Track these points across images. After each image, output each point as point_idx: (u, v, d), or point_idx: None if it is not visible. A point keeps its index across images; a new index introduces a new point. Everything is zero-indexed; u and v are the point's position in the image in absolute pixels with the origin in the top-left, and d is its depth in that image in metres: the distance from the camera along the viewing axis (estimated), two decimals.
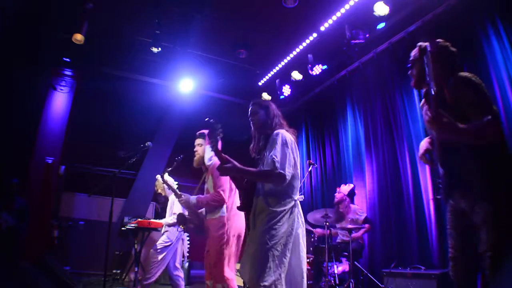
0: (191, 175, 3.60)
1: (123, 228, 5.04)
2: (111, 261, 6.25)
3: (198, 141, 3.40)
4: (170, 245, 4.26)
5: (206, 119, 2.33)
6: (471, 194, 1.81)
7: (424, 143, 2.11)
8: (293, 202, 2.17)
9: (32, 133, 6.09)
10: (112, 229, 3.77)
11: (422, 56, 1.95)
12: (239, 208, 2.41)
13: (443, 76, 1.95)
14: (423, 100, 2.11)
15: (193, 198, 3.25)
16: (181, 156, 3.61)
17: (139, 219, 4.45)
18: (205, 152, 3.29)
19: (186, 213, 3.61)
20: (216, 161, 3.22)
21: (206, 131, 3.36)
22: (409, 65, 2.12)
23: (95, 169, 7.46)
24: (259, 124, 2.38)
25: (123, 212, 6.86)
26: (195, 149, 3.40)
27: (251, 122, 2.43)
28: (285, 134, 2.23)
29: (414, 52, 2.13)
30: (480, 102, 1.80)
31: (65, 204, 6.91)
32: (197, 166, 3.41)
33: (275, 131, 2.25)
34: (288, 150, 2.16)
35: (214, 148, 2.28)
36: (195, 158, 3.37)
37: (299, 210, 2.21)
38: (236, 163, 2.19)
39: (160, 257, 4.13)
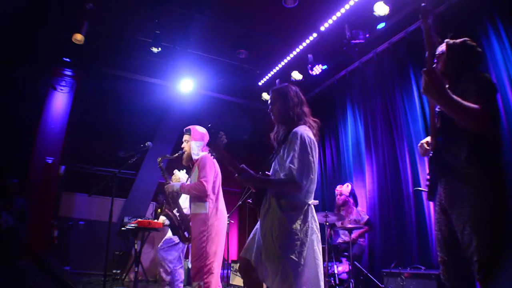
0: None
1: (123, 228, 5.04)
2: (111, 261, 6.25)
3: (185, 137, 3.37)
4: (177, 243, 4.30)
5: (209, 125, 2.28)
6: (455, 183, 1.80)
7: (427, 138, 2.12)
8: (306, 207, 2.03)
9: (32, 133, 6.10)
10: (112, 229, 3.77)
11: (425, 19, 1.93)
12: (250, 204, 2.27)
13: (458, 71, 1.96)
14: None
15: (177, 185, 3.24)
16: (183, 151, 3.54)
17: (139, 219, 4.46)
18: (191, 148, 3.27)
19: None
20: (203, 155, 3.23)
21: (191, 127, 3.36)
22: (434, 61, 2.07)
23: (95, 169, 7.46)
24: (278, 116, 2.22)
25: (123, 212, 6.87)
26: (182, 146, 3.38)
27: (270, 112, 2.27)
28: (305, 134, 2.04)
29: (441, 48, 2.10)
30: (479, 92, 1.79)
31: (65, 204, 6.91)
32: (185, 164, 3.39)
33: (295, 129, 2.07)
34: (307, 156, 1.99)
35: (225, 156, 2.18)
36: (183, 156, 3.34)
37: (313, 215, 2.07)
38: (251, 172, 2.10)
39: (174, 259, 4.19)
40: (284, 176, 2.00)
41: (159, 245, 4.46)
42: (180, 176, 4.57)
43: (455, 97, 1.70)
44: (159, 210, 4.02)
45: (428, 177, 1.96)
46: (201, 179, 3.07)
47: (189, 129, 3.36)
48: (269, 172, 2.20)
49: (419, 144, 2.17)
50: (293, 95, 2.25)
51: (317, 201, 2.19)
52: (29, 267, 3.37)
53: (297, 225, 1.95)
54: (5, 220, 5.18)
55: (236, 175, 2.12)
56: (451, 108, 1.73)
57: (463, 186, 1.77)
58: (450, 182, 1.86)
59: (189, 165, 3.38)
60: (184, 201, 4.23)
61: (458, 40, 2.08)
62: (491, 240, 1.66)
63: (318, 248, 2.01)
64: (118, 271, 6.37)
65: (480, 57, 2.09)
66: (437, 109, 1.97)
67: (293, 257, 1.88)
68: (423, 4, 1.83)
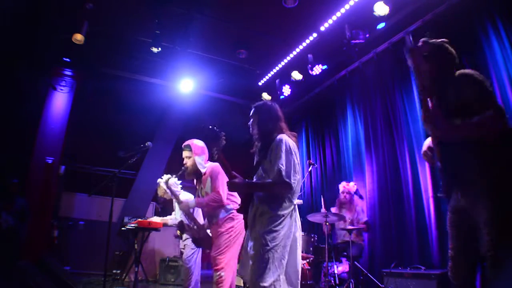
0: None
1: (123, 228, 5.04)
2: (111, 261, 6.25)
3: (185, 153, 3.35)
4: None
5: (210, 127, 2.30)
6: (472, 192, 1.80)
7: (428, 141, 2.12)
8: (292, 206, 2.21)
9: (32, 133, 6.09)
10: (112, 229, 3.76)
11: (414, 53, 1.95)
12: (238, 210, 2.45)
13: (444, 74, 1.96)
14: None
15: (192, 202, 3.27)
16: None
17: (139, 219, 4.45)
18: (196, 162, 3.28)
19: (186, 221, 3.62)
20: (212, 164, 3.25)
21: (190, 143, 3.34)
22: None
23: (95, 169, 7.46)
24: (258, 130, 2.35)
25: (123, 212, 6.86)
26: (184, 162, 3.36)
27: (250, 128, 2.42)
28: (288, 140, 2.22)
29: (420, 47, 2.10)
30: (482, 97, 1.80)
31: (65, 204, 6.91)
32: (189, 178, 3.40)
33: (278, 137, 2.22)
34: (292, 157, 2.16)
35: (220, 159, 2.27)
36: (187, 171, 3.33)
37: (297, 214, 2.26)
38: (241, 178, 2.22)
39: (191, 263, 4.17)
40: (273, 178, 2.14)
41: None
42: (164, 185, 4.49)
43: (459, 122, 1.71)
44: (178, 232, 4.01)
45: (440, 178, 1.97)
46: (217, 189, 3.10)
47: (188, 145, 3.34)
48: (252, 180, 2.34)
49: (422, 152, 2.17)
50: (272, 111, 2.40)
51: (301, 200, 2.32)
52: (29, 267, 3.37)
53: (284, 222, 2.13)
54: (5, 220, 5.18)
55: (227, 181, 2.23)
56: (463, 132, 1.74)
57: (479, 185, 1.77)
58: (465, 183, 1.86)
59: (193, 179, 3.40)
60: (177, 212, 4.27)
61: (437, 41, 2.07)
62: (508, 238, 1.67)
63: (299, 244, 2.22)
64: (118, 271, 6.36)
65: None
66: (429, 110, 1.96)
67: (278, 250, 2.06)
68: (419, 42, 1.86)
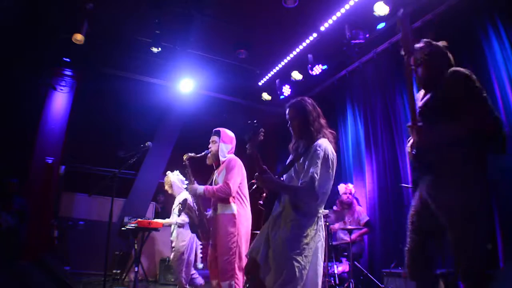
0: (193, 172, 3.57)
1: (123, 228, 5.04)
2: (111, 261, 6.24)
3: (213, 138, 3.38)
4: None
5: (249, 122, 2.22)
6: (442, 184, 1.80)
7: (411, 141, 2.13)
8: (318, 215, 2.13)
9: (32, 133, 6.09)
10: (112, 229, 3.77)
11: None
12: (261, 205, 2.31)
13: (438, 74, 1.97)
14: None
15: (200, 188, 3.25)
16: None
17: (139, 219, 4.45)
18: (220, 149, 3.30)
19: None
20: (232, 157, 3.26)
21: (221, 129, 3.38)
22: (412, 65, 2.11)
23: (95, 169, 7.45)
24: (299, 132, 2.27)
25: (123, 212, 6.86)
26: (209, 146, 3.40)
27: (290, 128, 2.33)
28: (328, 149, 2.12)
29: (422, 47, 2.12)
30: (474, 97, 1.81)
31: (65, 204, 6.90)
32: (210, 163, 3.41)
33: (318, 142, 2.14)
34: (328, 169, 2.08)
35: (254, 154, 2.17)
36: (209, 155, 3.37)
37: (322, 223, 2.16)
38: (271, 175, 2.13)
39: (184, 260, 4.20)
40: (303, 183, 2.05)
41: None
42: (172, 178, 4.55)
43: (447, 127, 1.75)
44: (179, 206, 4.03)
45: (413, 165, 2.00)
46: (227, 181, 3.09)
47: (219, 130, 3.38)
48: (282, 178, 2.26)
49: (407, 152, 2.17)
50: (311, 109, 2.31)
51: (327, 210, 2.23)
52: (29, 267, 3.37)
53: (308, 231, 2.04)
54: (5, 219, 5.17)
55: (257, 174, 2.14)
56: (454, 134, 1.76)
57: (449, 174, 1.79)
58: (435, 178, 1.87)
59: (212, 165, 3.40)
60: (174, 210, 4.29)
61: (438, 43, 2.10)
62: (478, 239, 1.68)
63: (321, 255, 2.10)
64: (118, 271, 6.36)
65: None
66: (417, 108, 1.98)
67: (300, 259, 1.95)
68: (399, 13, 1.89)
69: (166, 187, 4.66)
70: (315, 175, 2.01)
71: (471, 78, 1.84)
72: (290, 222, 2.05)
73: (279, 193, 2.20)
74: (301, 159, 2.15)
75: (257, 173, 2.13)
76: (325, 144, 2.13)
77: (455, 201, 1.70)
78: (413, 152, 1.93)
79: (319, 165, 2.04)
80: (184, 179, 4.53)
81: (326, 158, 2.08)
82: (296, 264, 1.94)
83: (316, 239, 2.07)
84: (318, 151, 2.08)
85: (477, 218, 1.67)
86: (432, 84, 2.00)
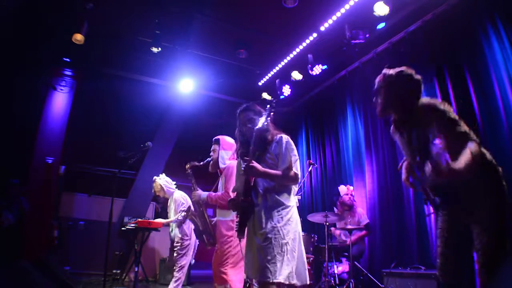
0: (186, 175, 3.61)
1: (123, 228, 5.04)
2: (111, 261, 6.24)
3: (213, 147, 3.45)
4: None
5: (271, 99, 2.45)
6: (470, 206, 1.88)
7: (405, 166, 2.21)
8: (294, 202, 2.36)
9: (32, 133, 6.09)
10: (112, 229, 3.77)
11: (386, 83, 2.03)
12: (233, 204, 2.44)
13: (410, 103, 2.03)
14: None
15: (204, 195, 3.32)
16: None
17: (139, 219, 4.45)
18: (219, 157, 3.36)
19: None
20: (230, 164, 3.30)
21: (220, 137, 3.44)
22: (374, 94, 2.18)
23: (95, 169, 7.45)
24: (257, 130, 2.37)
25: (123, 212, 6.86)
26: (210, 154, 3.48)
27: (246, 129, 2.44)
28: (289, 139, 2.37)
29: (378, 79, 2.18)
30: (454, 129, 1.88)
31: (65, 204, 6.90)
32: (212, 171, 3.48)
33: (279, 135, 2.37)
34: (295, 154, 2.32)
35: (268, 124, 2.33)
36: (211, 163, 3.44)
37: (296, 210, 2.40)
38: (259, 166, 2.26)
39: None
40: (285, 169, 2.24)
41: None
42: (160, 182, 4.54)
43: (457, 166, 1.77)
44: (184, 214, 4.09)
45: (434, 198, 2.09)
46: (227, 189, 3.15)
47: (218, 139, 3.44)
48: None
49: (403, 180, 2.28)
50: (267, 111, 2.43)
51: (299, 196, 2.42)
52: (29, 267, 3.37)
53: (294, 214, 2.28)
54: (6, 218, 5.18)
55: (246, 164, 2.25)
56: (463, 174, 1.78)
57: (478, 202, 1.87)
58: (464, 201, 1.94)
59: (216, 172, 3.46)
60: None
61: (394, 71, 2.12)
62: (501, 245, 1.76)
63: (301, 235, 2.32)
64: (118, 271, 6.36)
65: (420, 84, 2.12)
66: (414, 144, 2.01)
67: (290, 242, 2.14)
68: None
69: (158, 193, 4.63)
70: (291, 160, 2.27)
71: (443, 110, 1.92)
72: (277, 210, 2.22)
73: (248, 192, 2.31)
74: (265, 155, 2.34)
75: (245, 166, 2.25)
76: (284, 136, 2.37)
77: (489, 217, 1.81)
78: (428, 185, 2.07)
79: (288, 152, 2.30)
80: (170, 180, 4.57)
81: (291, 147, 2.33)
82: (288, 247, 2.12)
83: (298, 224, 2.29)
84: (283, 142, 2.33)
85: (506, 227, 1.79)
86: (406, 121, 2.05)
